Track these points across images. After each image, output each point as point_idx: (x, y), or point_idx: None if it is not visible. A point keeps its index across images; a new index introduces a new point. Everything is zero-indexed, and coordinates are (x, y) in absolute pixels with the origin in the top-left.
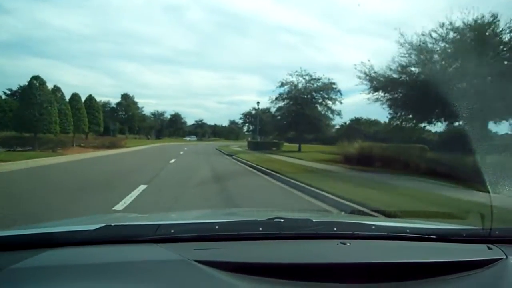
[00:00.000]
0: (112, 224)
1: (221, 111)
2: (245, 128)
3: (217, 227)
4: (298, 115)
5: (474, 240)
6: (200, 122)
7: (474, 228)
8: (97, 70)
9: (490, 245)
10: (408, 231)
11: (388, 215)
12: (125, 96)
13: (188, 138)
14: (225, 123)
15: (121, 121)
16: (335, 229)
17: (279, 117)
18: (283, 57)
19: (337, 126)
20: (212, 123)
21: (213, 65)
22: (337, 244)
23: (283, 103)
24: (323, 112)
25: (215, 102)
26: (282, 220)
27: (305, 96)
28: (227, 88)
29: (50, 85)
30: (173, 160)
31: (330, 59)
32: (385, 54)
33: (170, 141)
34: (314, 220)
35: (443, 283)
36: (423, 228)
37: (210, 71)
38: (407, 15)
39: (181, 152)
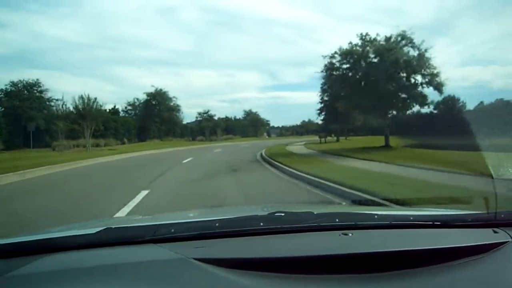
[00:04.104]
0: (113, 227)
1: (223, 109)
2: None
3: (217, 224)
4: None
5: (479, 225)
6: (205, 115)
7: (479, 213)
8: (98, 77)
9: (495, 229)
10: (411, 218)
11: (396, 202)
12: None
13: None
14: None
15: None
16: (337, 220)
17: None
18: (280, 52)
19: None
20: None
21: (212, 63)
22: (339, 235)
23: None
24: None
25: (217, 101)
26: (282, 214)
27: None
28: (227, 86)
29: None
30: None
31: (330, 50)
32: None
33: (138, 149)
34: (315, 213)
35: (448, 269)
36: (427, 215)
37: (209, 70)
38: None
39: None
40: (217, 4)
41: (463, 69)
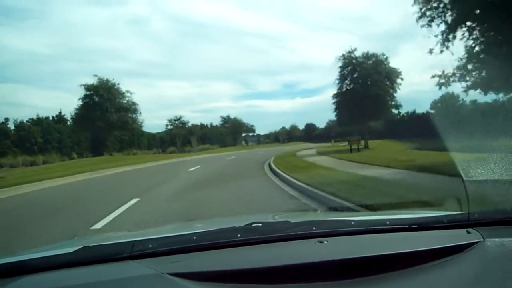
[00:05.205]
0: (90, 245)
1: (196, 119)
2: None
3: (194, 237)
4: None
5: (454, 226)
6: (176, 122)
7: (454, 214)
8: (67, 90)
9: (469, 229)
10: (388, 222)
11: (371, 208)
12: None
13: None
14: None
15: None
16: (314, 228)
17: None
18: (253, 61)
19: None
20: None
21: (184, 74)
22: (315, 243)
23: None
24: None
25: (190, 111)
26: (260, 225)
27: None
28: (200, 96)
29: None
30: None
31: (300, 59)
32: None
33: (58, 172)
34: (292, 222)
35: (423, 271)
36: (404, 218)
37: (181, 81)
38: (369, 10)
39: None
40: (188, 14)
41: None
